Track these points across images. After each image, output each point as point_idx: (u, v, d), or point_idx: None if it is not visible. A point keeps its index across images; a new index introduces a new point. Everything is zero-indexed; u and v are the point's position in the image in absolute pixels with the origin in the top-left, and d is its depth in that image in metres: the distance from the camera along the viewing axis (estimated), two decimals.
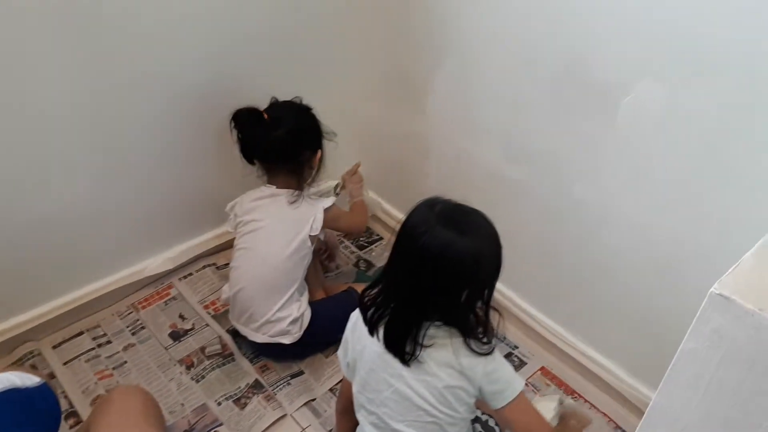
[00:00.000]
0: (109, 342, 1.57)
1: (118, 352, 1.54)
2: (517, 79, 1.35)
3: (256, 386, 1.48)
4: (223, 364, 1.52)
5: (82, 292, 1.57)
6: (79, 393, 1.44)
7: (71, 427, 1.37)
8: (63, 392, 1.44)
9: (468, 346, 1.01)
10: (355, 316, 1.12)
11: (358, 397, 1.13)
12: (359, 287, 1.40)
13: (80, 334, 1.58)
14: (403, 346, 1.01)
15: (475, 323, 1.03)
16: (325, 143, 1.49)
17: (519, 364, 1.57)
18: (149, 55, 1.38)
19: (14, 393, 0.91)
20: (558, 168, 1.35)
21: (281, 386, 1.49)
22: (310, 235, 1.43)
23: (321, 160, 1.48)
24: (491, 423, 1.40)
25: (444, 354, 1.02)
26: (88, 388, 1.45)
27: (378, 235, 1.95)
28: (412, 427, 1.05)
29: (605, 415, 1.45)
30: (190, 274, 1.75)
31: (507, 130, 1.43)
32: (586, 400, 1.48)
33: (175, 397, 1.45)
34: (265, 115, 1.41)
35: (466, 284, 0.99)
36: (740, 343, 0.50)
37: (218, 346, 1.57)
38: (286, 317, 1.43)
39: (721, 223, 1.11)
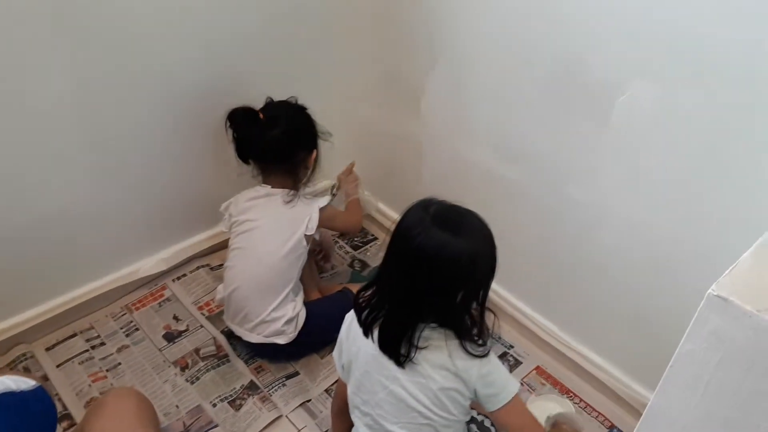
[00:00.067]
0: (102, 344, 1.56)
1: (111, 354, 1.53)
2: (511, 79, 1.34)
3: (251, 387, 1.47)
4: (218, 366, 1.52)
5: (76, 293, 1.56)
6: (73, 395, 1.43)
7: (65, 430, 1.36)
8: (56, 395, 1.42)
9: (463, 347, 1.01)
10: (350, 317, 1.12)
11: (353, 399, 1.12)
12: (354, 287, 1.40)
13: (73, 336, 1.57)
14: (397, 347, 1.01)
15: (470, 325, 1.03)
16: (321, 143, 1.49)
17: (514, 364, 1.57)
18: (148, 54, 1.38)
19: (9, 397, 0.91)
20: (553, 168, 1.35)
21: (276, 387, 1.48)
22: (305, 235, 1.43)
23: (316, 160, 1.48)
24: (487, 423, 1.40)
25: (439, 356, 1.02)
26: (81, 391, 1.44)
27: (373, 235, 1.95)
28: (406, 429, 1.05)
29: (601, 414, 1.45)
30: (184, 275, 1.74)
31: (502, 130, 1.43)
32: (581, 399, 1.48)
33: (169, 398, 1.44)
34: (261, 115, 1.40)
35: (462, 285, 0.98)
36: (739, 344, 0.50)
37: (213, 348, 1.56)
38: (281, 317, 1.42)
39: (719, 223, 1.11)
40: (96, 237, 1.53)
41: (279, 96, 1.47)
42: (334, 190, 1.72)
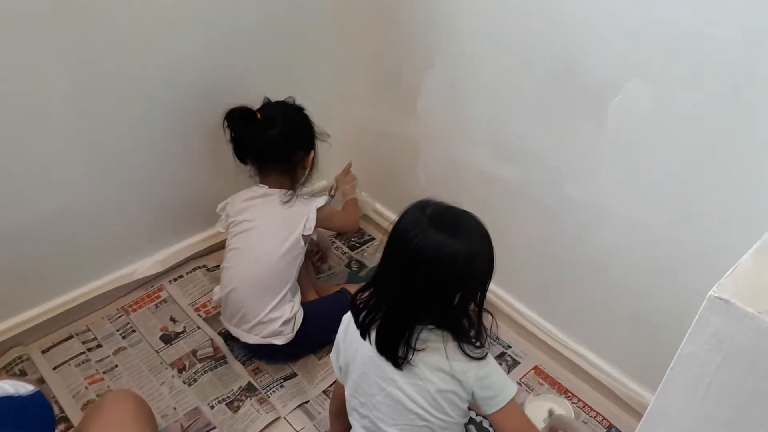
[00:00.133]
0: (99, 346, 1.55)
1: (108, 356, 1.53)
2: (511, 79, 1.34)
3: (249, 389, 1.47)
4: (216, 367, 1.51)
5: (72, 295, 1.56)
6: (70, 398, 1.43)
7: None
8: (53, 397, 1.42)
9: (461, 349, 1.01)
10: (347, 319, 1.11)
11: (351, 401, 1.12)
12: (351, 288, 1.40)
13: (70, 338, 1.56)
14: (395, 349, 1.00)
15: (467, 326, 1.02)
16: (318, 144, 1.48)
17: (512, 364, 1.56)
18: (148, 54, 1.38)
19: (8, 401, 0.91)
20: (553, 168, 1.35)
21: (274, 389, 1.47)
22: (303, 235, 1.43)
23: (314, 160, 1.48)
24: (485, 424, 1.40)
25: (436, 358, 1.01)
26: (78, 393, 1.44)
27: (370, 235, 1.95)
28: (403, 431, 1.05)
29: (599, 414, 1.45)
30: (181, 277, 1.73)
31: (501, 130, 1.42)
32: (579, 399, 1.48)
33: (167, 400, 1.44)
34: (258, 115, 1.40)
35: (459, 287, 0.98)
36: (740, 346, 0.49)
37: (210, 349, 1.55)
38: (279, 318, 1.42)
39: (719, 223, 1.11)
40: (91, 239, 1.52)
41: (277, 96, 1.46)
42: (333, 191, 1.71)
